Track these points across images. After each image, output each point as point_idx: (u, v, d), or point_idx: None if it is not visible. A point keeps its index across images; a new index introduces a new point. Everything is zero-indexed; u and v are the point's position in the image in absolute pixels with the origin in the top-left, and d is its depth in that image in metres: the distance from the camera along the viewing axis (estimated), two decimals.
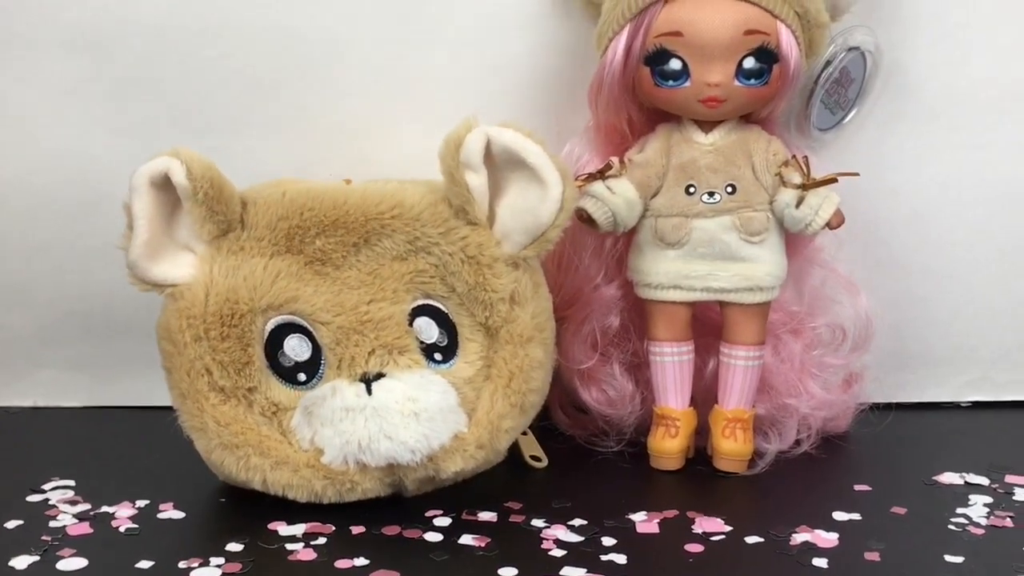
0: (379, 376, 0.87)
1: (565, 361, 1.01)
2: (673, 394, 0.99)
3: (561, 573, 0.80)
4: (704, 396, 1.01)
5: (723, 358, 0.99)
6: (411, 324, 0.90)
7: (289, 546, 0.84)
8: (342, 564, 0.81)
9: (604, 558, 0.82)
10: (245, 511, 0.90)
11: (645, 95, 0.97)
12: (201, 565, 0.81)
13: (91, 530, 0.87)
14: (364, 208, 0.90)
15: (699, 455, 1.01)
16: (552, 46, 1.05)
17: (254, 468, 0.88)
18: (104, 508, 0.90)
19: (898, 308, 1.09)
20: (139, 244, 0.87)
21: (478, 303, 0.90)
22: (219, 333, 0.88)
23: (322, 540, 0.85)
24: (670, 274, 0.97)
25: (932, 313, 1.11)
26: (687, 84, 0.94)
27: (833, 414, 1.04)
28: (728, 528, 0.87)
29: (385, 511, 0.88)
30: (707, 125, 0.97)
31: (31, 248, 1.08)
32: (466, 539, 0.85)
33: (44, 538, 0.85)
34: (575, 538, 0.85)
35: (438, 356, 0.90)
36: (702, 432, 1.01)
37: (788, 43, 0.93)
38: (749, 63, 0.93)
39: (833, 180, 0.94)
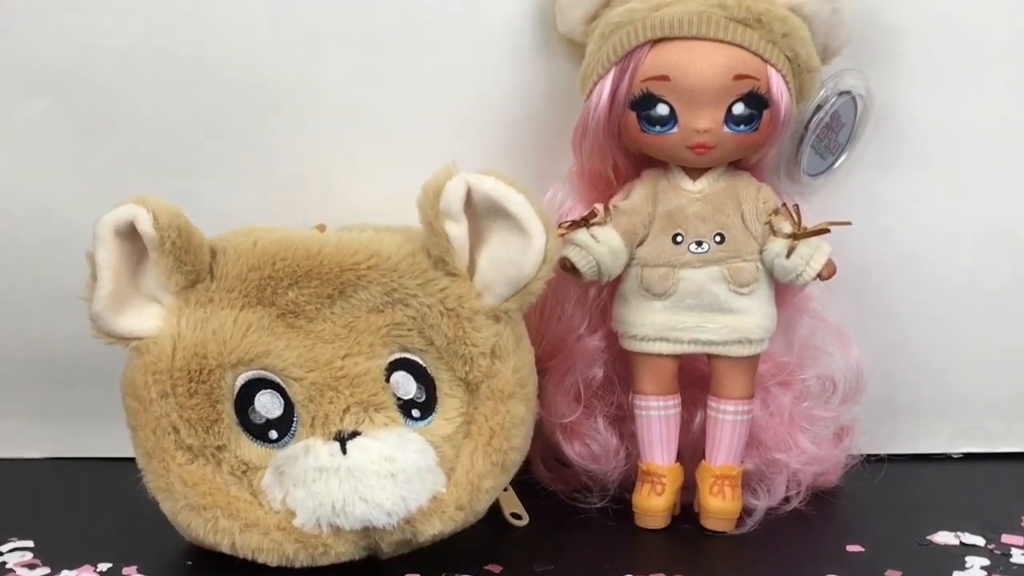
0: (354, 434, 0.83)
1: (547, 414, 0.98)
2: (659, 450, 0.96)
3: None
4: (691, 450, 0.98)
5: (711, 412, 0.96)
6: (388, 379, 0.86)
7: None
8: None
9: None
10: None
11: (631, 140, 0.94)
12: None
13: None
14: (339, 258, 0.86)
15: (686, 512, 0.97)
16: (534, 86, 1.02)
17: (223, 531, 0.84)
18: (64, 572, 0.86)
19: (889, 356, 1.06)
20: (103, 296, 0.83)
21: (457, 357, 0.87)
22: (187, 389, 0.84)
23: None
24: (656, 326, 0.94)
25: (923, 361, 1.09)
26: (675, 130, 0.91)
27: (823, 469, 1.01)
28: None
29: (359, 575, 0.85)
30: (695, 172, 0.94)
31: None
32: None
33: None
34: None
35: (416, 413, 0.87)
36: (688, 487, 0.98)
37: (778, 88, 0.91)
38: (739, 109, 0.90)
39: (825, 231, 0.91)
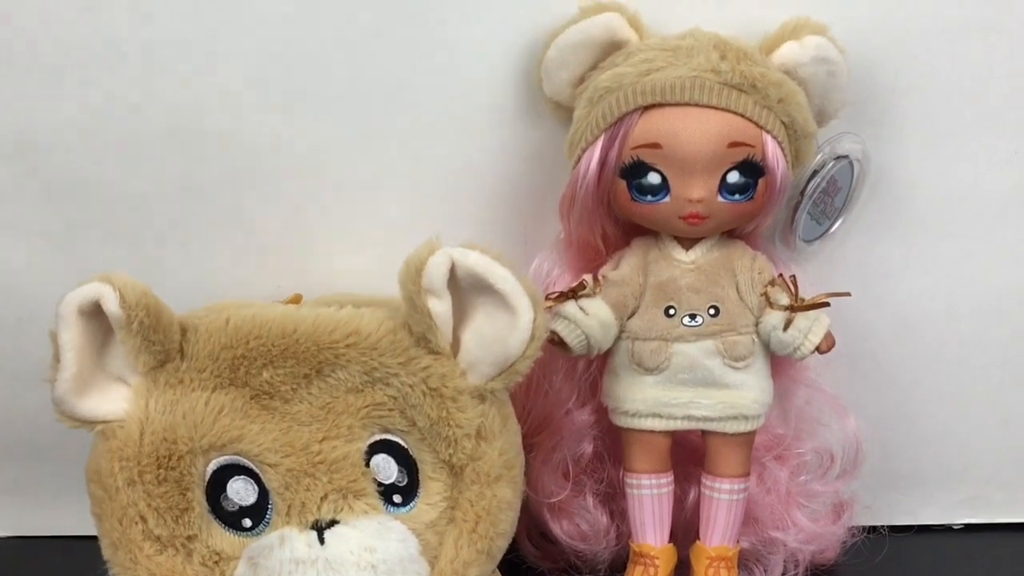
0: (332, 523, 0.80)
1: (534, 493, 0.95)
2: (652, 530, 0.92)
3: None
4: (684, 529, 0.95)
5: (705, 491, 0.92)
6: (368, 463, 0.82)
7: None
8: None
9: None
10: None
11: (621, 209, 0.90)
12: None
13: None
14: (316, 336, 0.82)
15: None
16: (518, 150, 0.98)
17: None
18: None
19: (887, 425, 1.04)
20: (66, 378, 0.79)
21: (441, 439, 0.83)
22: (155, 476, 0.80)
23: None
24: (648, 401, 0.90)
25: (922, 430, 1.06)
26: (666, 199, 0.87)
27: (822, 546, 0.98)
28: None
29: None
30: (687, 241, 0.90)
31: None
32: None
33: None
34: None
35: (397, 498, 0.83)
36: (682, 567, 0.94)
37: (774, 155, 0.87)
38: (733, 177, 0.87)
39: (824, 304, 0.88)
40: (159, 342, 0.80)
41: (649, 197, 0.88)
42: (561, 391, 0.96)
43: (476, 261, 0.80)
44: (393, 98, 0.96)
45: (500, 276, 0.80)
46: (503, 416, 0.85)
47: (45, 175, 0.96)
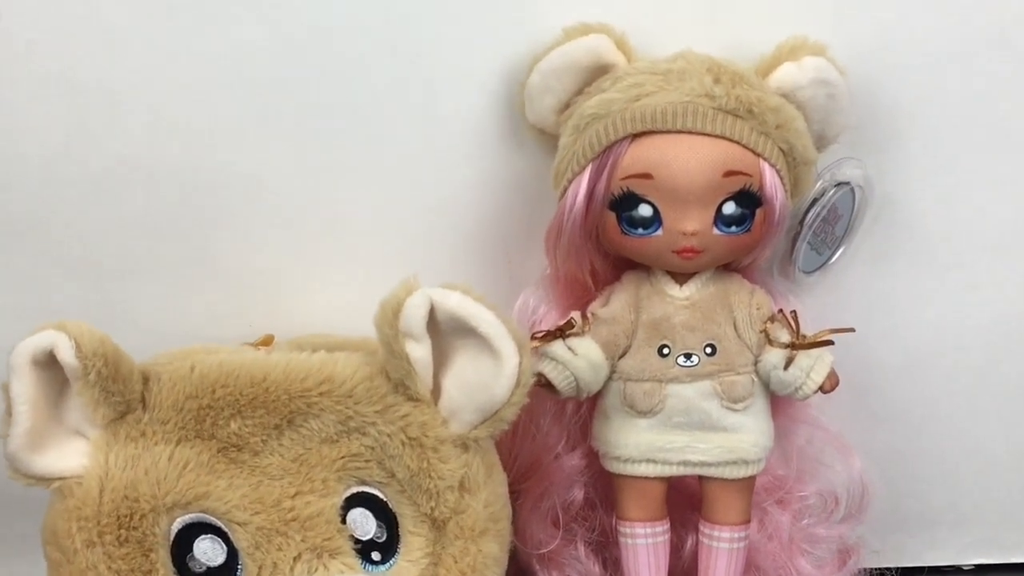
0: None
1: (522, 543, 0.91)
2: None
3: None
4: None
5: (704, 539, 0.88)
6: (344, 518, 0.78)
7: None
8: None
9: None
10: None
11: (610, 243, 0.86)
12: None
13: None
14: (287, 384, 0.77)
15: None
16: (500, 180, 0.94)
17: None
18: None
19: (893, 464, 1.01)
20: (19, 434, 0.75)
21: (422, 491, 0.79)
22: (116, 537, 0.76)
23: None
24: (641, 446, 0.86)
25: (930, 468, 1.03)
26: (659, 232, 0.83)
27: None
28: None
29: None
30: (681, 276, 0.86)
31: None
32: None
33: None
34: None
35: (376, 555, 0.78)
36: None
37: (772, 184, 0.83)
38: (729, 208, 0.83)
39: (828, 342, 0.83)
40: (119, 393, 0.76)
41: (640, 230, 0.83)
42: (549, 434, 0.92)
43: (457, 303, 0.76)
44: (367, 127, 0.92)
45: (483, 319, 0.76)
46: (488, 465, 0.81)
47: (0, 213, 0.92)
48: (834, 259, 0.95)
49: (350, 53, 0.90)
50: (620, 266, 0.89)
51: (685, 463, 0.86)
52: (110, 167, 0.92)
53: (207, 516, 0.77)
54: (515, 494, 0.88)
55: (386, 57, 0.90)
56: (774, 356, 0.85)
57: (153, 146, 0.91)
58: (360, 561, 0.78)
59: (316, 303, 0.94)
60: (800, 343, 0.84)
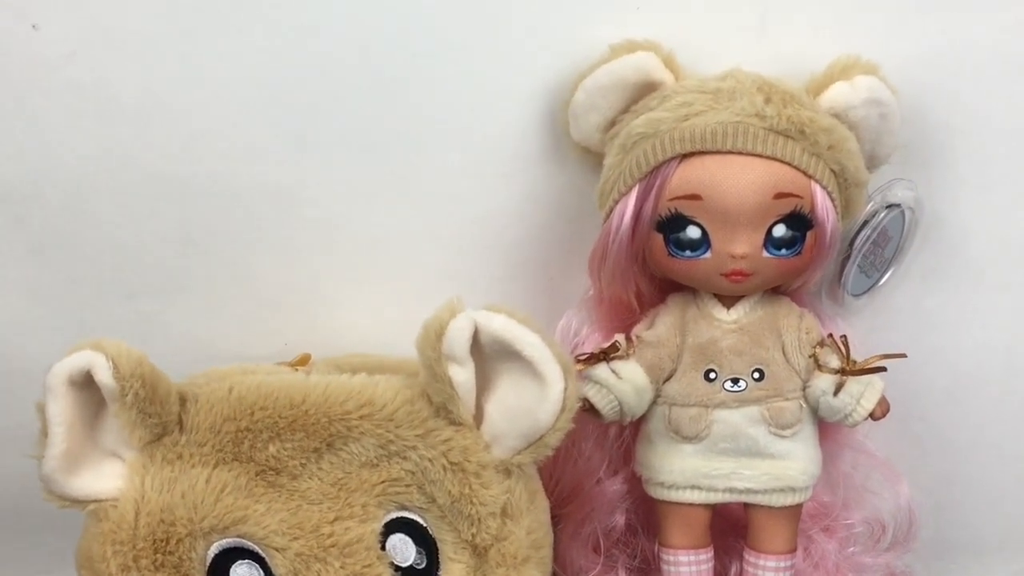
0: None
1: (562, 569, 0.89)
2: None
3: None
4: None
5: (749, 568, 0.86)
6: (383, 544, 0.76)
7: None
8: None
9: None
10: None
11: (657, 265, 0.84)
12: None
13: None
14: (327, 407, 0.76)
15: None
16: (543, 199, 0.92)
17: None
18: None
19: (941, 490, 0.99)
20: (54, 455, 0.73)
21: (463, 517, 0.77)
22: (151, 561, 0.74)
23: None
24: (686, 472, 0.84)
25: (980, 495, 1.01)
26: (707, 255, 0.81)
27: None
28: None
29: None
30: (728, 299, 0.85)
31: None
32: None
33: None
34: None
35: None
36: None
37: (823, 206, 0.81)
38: (779, 231, 0.81)
39: (880, 368, 0.81)
40: (156, 414, 0.75)
41: (688, 252, 0.82)
42: (591, 459, 0.90)
43: (502, 326, 0.74)
44: (407, 143, 0.90)
45: (528, 343, 0.74)
46: (530, 492, 0.79)
47: (32, 226, 0.91)
48: (883, 281, 0.93)
49: (391, 69, 0.88)
50: (666, 288, 0.87)
51: (731, 490, 0.85)
52: (144, 181, 0.90)
53: (244, 541, 0.75)
54: (556, 519, 0.86)
55: (428, 73, 0.88)
56: (823, 382, 0.83)
57: (188, 160, 0.90)
58: None
59: (353, 321, 0.92)
60: (850, 369, 0.82)
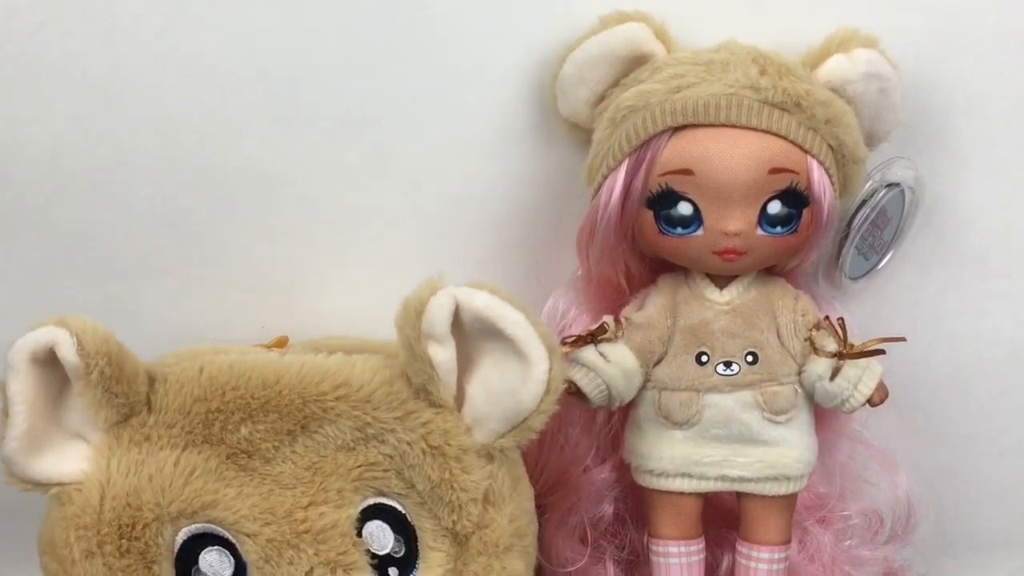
0: None
1: (547, 560, 0.88)
2: None
3: None
4: None
5: (741, 559, 0.85)
6: (360, 531, 0.74)
7: None
8: None
9: None
10: None
11: (647, 243, 0.82)
12: None
13: None
14: (301, 388, 0.74)
15: None
16: (530, 176, 0.91)
17: None
18: None
19: (941, 482, 0.97)
20: (16, 436, 0.72)
21: (443, 503, 0.75)
22: (116, 547, 0.73)
23: None
24: (676, 460, 0.82)
25: (980, 488, 1.00)
26: (699, 232, 0.79)
27: None
28: None
29: None
30: (721, 279, 0.83)
31: None
32: None
33: None
34: None
35: (393, 571, 0.74)
36: None
37: (820, 183, 0.79)
38: (774, 208, 0.79)
39: (878, 352, 0.79)
40: (122, 394, 0.73)
41: (679, 230, 0.80)
42: (578, 446, 0.89)
43: (484, 303, 0.72)
44: (389, 120, 0.89)
45: (512, 321, 0.72)
46: (513, 478, 0.77)
47: (0, 206, 0.90)
48: (881, 265, 0.92)
49: (372, 44, 0.87)
50: (656, 268, 0.86)
51: (723, 478, 0.83)
52: (116, 160, 0.90)
53: (214, 527, 0.73)
54: (541, 508, 0.84)
55: (410, 47, 0.87)
56: (820, 366, 0.81)
57: (161, 139, 0.89)
58: None
59: (333, 303, 0.91)
60: (848, 352, 0.80)
